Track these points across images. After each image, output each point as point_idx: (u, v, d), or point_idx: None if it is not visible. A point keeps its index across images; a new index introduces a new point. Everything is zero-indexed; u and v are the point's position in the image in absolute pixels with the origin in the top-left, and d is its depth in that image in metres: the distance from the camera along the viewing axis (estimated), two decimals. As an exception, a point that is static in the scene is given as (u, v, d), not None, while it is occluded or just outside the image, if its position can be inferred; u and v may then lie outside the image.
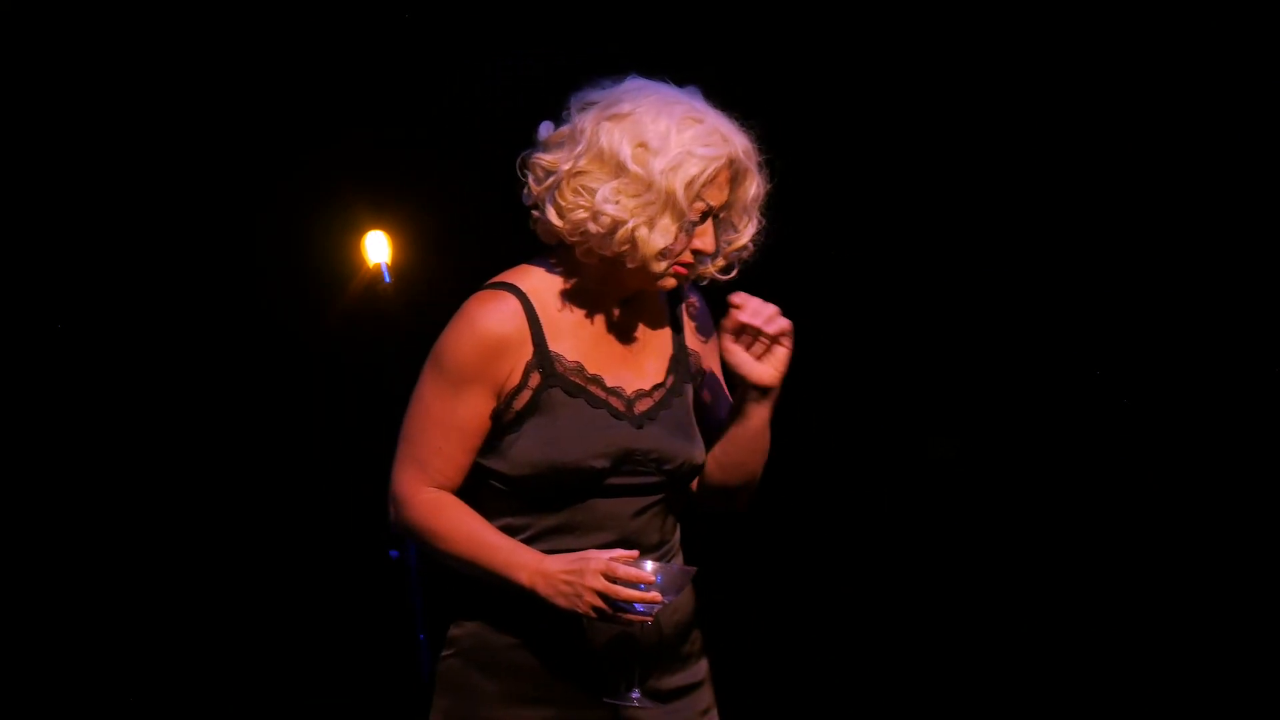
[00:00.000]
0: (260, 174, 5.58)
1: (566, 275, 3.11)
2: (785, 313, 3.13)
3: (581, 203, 3.01)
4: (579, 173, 3.02)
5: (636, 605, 2.92)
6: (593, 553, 2.95)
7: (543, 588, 2.97)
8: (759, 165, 3.08)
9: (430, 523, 3.07)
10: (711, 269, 3.12)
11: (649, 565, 2.92)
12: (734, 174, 3.05)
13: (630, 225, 2.99)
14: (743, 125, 3.07)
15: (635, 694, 3.00)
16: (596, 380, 3.08)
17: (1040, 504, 5.70)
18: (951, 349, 5.70)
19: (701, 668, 3.19)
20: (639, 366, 3.12)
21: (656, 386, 3.12)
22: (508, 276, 3.12)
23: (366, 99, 5.56)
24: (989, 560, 5.73)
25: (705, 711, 3.18)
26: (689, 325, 3.20)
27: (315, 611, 5.72)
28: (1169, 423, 5.60)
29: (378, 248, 5.65)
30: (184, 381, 5.65)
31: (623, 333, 3.13)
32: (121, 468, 5.62)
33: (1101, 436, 5.65)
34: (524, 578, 2.98)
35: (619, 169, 3.00)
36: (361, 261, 5.66)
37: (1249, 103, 5.42)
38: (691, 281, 3.14)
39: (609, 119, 3.02)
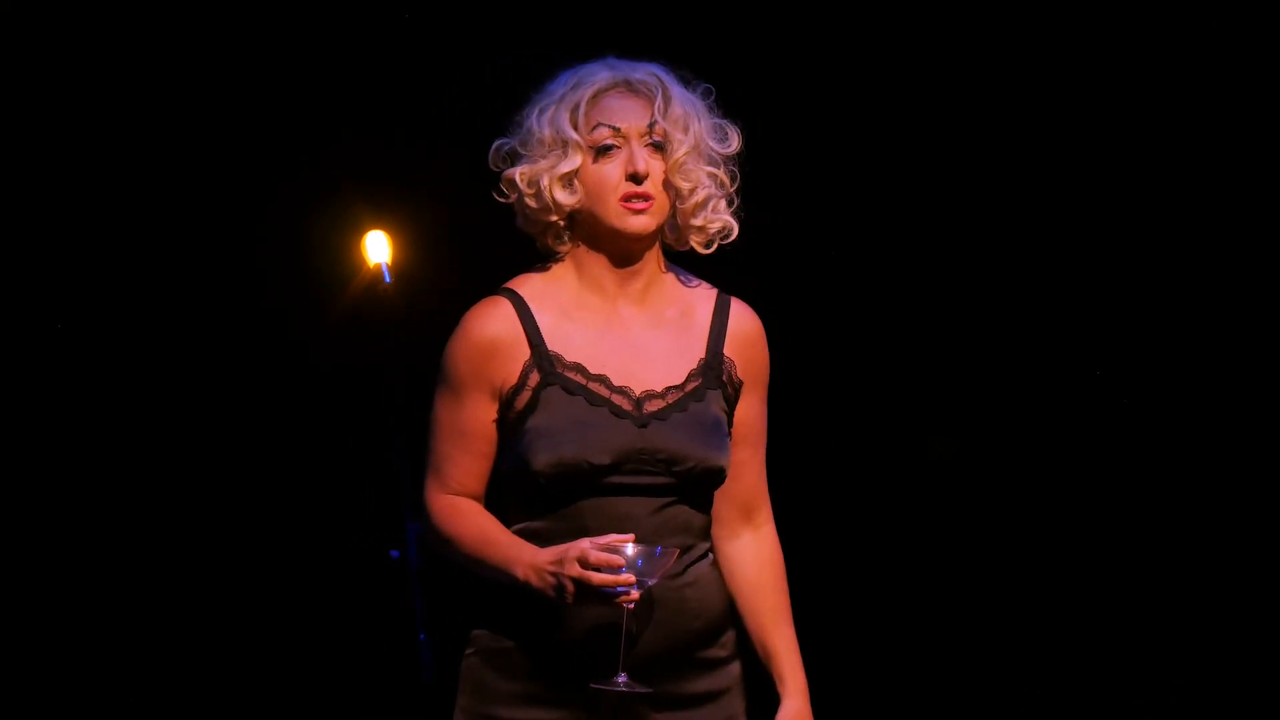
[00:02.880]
0: (260, 174, 5.58)
1: (569, 276, 3.15)
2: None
3: (508, 186, 3.14)
4: (509, 166, 3.15)
5: (618, 588, 2.93)
6: (581, 541, 2.97)
7: (535, 580, 3.00)
8: (678, 83, 3.12)
9: (446, 528, 3.13)
10: (690, 203, 3.13)
11: (630, 549, 2.94)
12: (641, 96, 3.10)
13: (532, 173, 3.09)
14: (679, 71, 3.13)
15: (622, 678, 3.00)
16: (601, 379, 3.09)
17: (1040, 504, 5.69)
18: (951, 349, 5.69)
19: (730, 673, 3.17)
20: (655, 368, 3.12)
21: (671, 388, 3.11)
22: (509, 283, 3.17)
23: (367, 99, 5.56)
24: (988, 561, 5.73)
25: (730, 719, 3.17)
26: (731, 333, 3.19)
27: (316, 611, 5.72)
28: (1169, 423, 5.60)
29: (378, 248, 5.65)
30: (184, 382, 5.64)
31: (639, 334, 3.14)
32: (121, 468, 5.61)
33: (1101, 437, 5.64)
34: (519, 572, 3.02)
35: (523, 138, 3.13)
36: (361, 261, 5.66)
37: (1249, 103, 5.41)
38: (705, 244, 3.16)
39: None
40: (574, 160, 3.07)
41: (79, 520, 5.60)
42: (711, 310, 3.19)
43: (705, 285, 3.22)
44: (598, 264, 3.14)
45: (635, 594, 2.94)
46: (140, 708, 5.63)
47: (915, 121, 5.60)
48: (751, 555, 3.22)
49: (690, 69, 3.17)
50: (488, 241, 4.03)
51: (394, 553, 5.43)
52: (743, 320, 3.20)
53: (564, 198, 3.08)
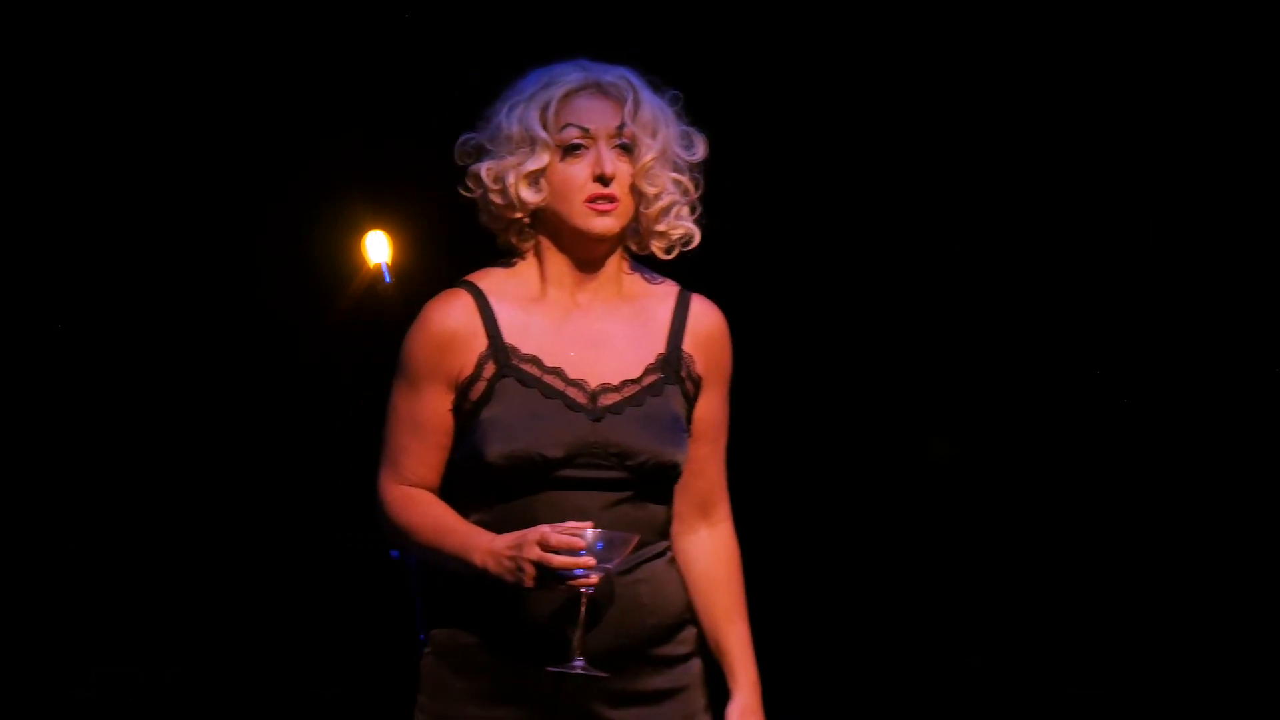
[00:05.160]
0: (261, 174, 5.58)
1: (530, 271, 3.16)
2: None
3: (473, 182, 3.13)
4: (475, 163, 3.13)
5: (575, 571, 2.93)
6: (539, 527, 2.96)
7: (492, 566, 2.99)
8: (648, 87, 3.11)
9: (400, 518, 3.14)
10: (654, 208, 3.12)
11: (590, 533, 2.94)
12: (611, 98, 3.09)
13: (498, 169, 3.08)
14: (653, 80, 3.13)
15: (579, 662, 2.98)
16: (556, 372, 3.09)
17: (1039, 504, 5.70)
18: (950, 350, 5.70)
19: (689, 671, 3.16)
20: (611, 361, 3.12)
21: (627, 382, 3.11)
22: (470, 275, 3.18)
23: (367, 99, 5.57)
24: (987, 561, 5.74)
25: (690, 717, 3.14)
26: (691, 329, 3.18)
27: (316, 611, 5.73)
28: (1169, 423, 5.61)
29: (378, 248, 5.66)
30: (185, 381, 5.65)
31: (597, 329, 3.14)
32: (122, 468, 5.62)
33: (1101, 437, 5.65)
34: (477, 558, 3.01)
35: (491, 135, 3.11)
36: (361, 261, 5.67)
37: (1249, 103, 5.42)
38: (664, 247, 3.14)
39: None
40: (541, 159, 3.07)
41: (79, 519, 5.61)
42: (672, 306, 3.18)
43: (668, 283, 3.21)
44: (560, 261, 3.14)
45: (594, 578, 2.93)
46: (141, 707, 5.64)
47: (915, 124, 5.60)
48: (707, 551, 3.21)
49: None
50: (487, 241, 4.03)
51: (394, 553, 5.44)
52: (704, 316, 3.20)
53: (529, 196, 3.08)
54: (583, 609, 2.98)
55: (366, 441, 5.75)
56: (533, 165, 3.07)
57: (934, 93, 5.58)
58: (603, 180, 3.08)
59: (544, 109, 3.07)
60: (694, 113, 3.15)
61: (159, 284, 5.62)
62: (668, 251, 3.16)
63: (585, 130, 3.08)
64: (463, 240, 3.35)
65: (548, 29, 5.43)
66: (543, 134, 3.06)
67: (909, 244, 5.69)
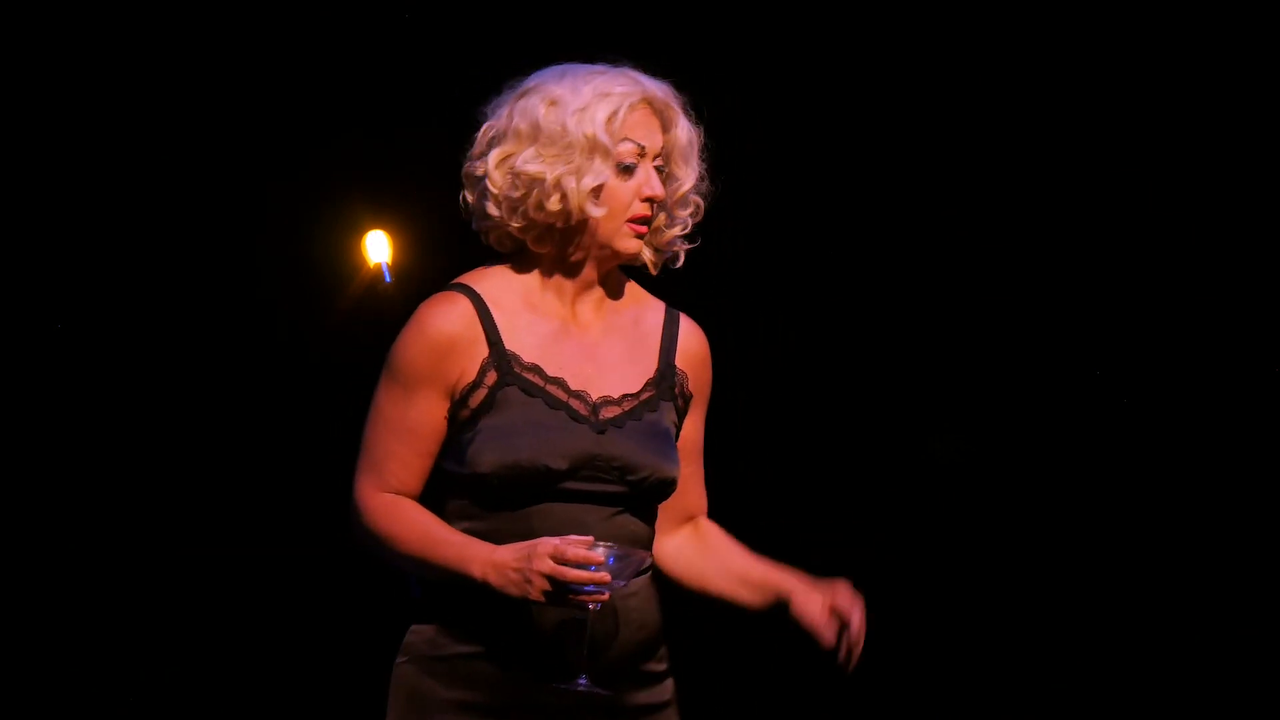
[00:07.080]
0: (261, 174, 5.58)
1: (528, 277, 3.07)
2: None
3: (509, 180, 2.99)
4: (504, 157, 2.99)
5: (586, 587, 2.86)
6: (545, 539, 2.88)
7: (494, 578, 2.90)
8: (685, 110, 3.04)
9: (384, 526, 3.02)
10: (669, 233, 3.06)
11: (600, 549, 2.86)
12: (660, 116, 3.02)
13: (555, 174, 2.97)
14: (666, 80, 3.05)
15: (583, 680, 2.91)
16: (558, 382, 3.02)
17: (1039, 504, 5.70)
18: (951, 350, 5.70)
19: (667, 688, 3.10)
20: (610, 375, 3.05)
21: (627, 396, 3.05)
22: (463, 278, 3.08)
23: (367, 99, 5.57)
24: (988, 561, 5.74)
25: None
26: (681, 347, 3.13)
27: (316, 611, 5.73)
28: (1169, 423, 5.61)
29: (378, 248, 5.66)
30: (185, 381, 5.65)
31: (594, 340, 3.07)
32: (122, 468, 5.62)
33: (1101, 436, 5.65)
34: (476, 570, 2.91)
35: (535, 132, 2.98)
36: (361, 261, 5.67)
37: (1249, 103, 5.42)
38: (660, 260, 3.08)
39: (518, 98, 3.02)
40: (602, 173, 2.97)
41: (79, 519, 5.61)
42: (661, 323, 3.13)
43: (653, 298, 3.17)
44: (566, 269, 3.06)
45: (605, 595, 2.86)
46: (141, 707, 5.64)
47: (917, 123, 5.60)
48: (696, 536, 3.17)
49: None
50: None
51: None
52: (692, 337, 3.15)
53: (593, 210, 2.98)
54: (588, 626, 2.91)
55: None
56: (595, 180, 2.96)
57: (931, 90, 5.59)
58: (651, 203, 3.02)
59: (610, 119, 2.97)
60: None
61: (160, 284, 5.62)
62: (657, 266, 3.11)
63: (642, 148, 3.00)
64: (463, 240, 3.33)
65: (547, 28, 5.43)
66: (610, 148, 2.96)
67: (908, 245, 5.69)
